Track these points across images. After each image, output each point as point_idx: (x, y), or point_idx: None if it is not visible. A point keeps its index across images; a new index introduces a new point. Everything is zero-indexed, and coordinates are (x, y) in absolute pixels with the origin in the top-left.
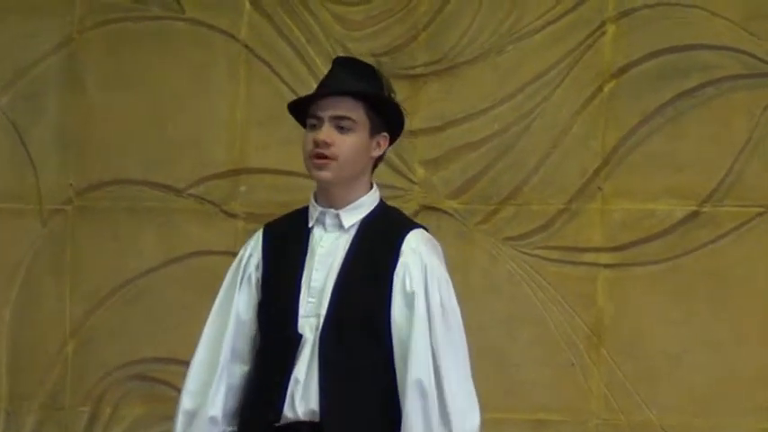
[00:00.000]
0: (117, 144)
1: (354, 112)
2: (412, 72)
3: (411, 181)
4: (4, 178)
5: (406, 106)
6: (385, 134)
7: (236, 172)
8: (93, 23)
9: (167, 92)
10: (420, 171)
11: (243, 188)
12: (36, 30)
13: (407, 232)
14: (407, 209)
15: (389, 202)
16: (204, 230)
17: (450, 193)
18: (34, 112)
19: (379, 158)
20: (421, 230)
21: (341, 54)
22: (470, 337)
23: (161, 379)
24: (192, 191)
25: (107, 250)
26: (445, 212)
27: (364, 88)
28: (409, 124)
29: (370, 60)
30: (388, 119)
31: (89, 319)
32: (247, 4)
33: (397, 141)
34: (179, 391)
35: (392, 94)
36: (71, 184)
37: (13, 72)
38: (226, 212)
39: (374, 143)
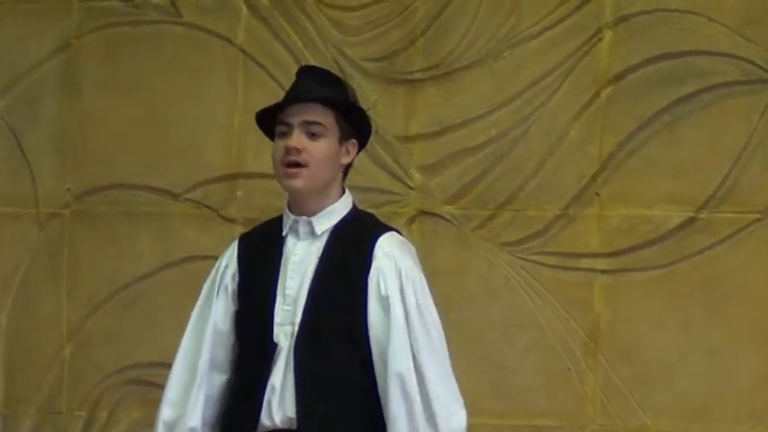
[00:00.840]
0: (114, 148)
1: (324, 117)
2: (409, 77)
3: (408, 186)
4: (1, 182)
5: (402, 111)
6: (354, 141)
7: (233, 176)
8: (90, 28)
9: (164, 96)
10: (417, 176)
11: (240, 193)
12: (33, 34)
13: (379, 236)
14: (404, 214)
15: (386, 208)
16: (201, 235)
17: (447, 199)
18: (32, 116)
19: (349, 166)
20: (393, 233)
21: (339, 59)
22: (467, 342)
23: (158, 383)
24: (189, 195)
25: (104, 254)
26: (442, 218)
27: (333, 95)
28: (406, 129)
29: (368, 66)
30: (356, 126)
31: (86, 323)
32: (244, 9)
33: (367, 148)
34: None
35: (358, 102)
36: (68, 189)
37: (11, 77)
38: (223, 217)
39: (343, 150)
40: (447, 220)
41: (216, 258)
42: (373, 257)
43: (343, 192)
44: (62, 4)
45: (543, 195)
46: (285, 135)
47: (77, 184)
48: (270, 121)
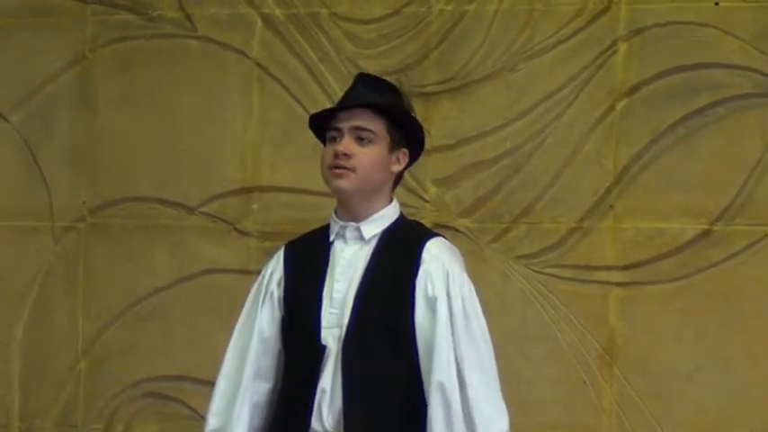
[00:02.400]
0: (129, 162)
1: (374, 124)
2: (424, 90)
3: (423, 199)
4: (16, 196)
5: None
6: (405, 150)
7: (248, 190)
8: (105, 41)
9: (179, 110)
10: (432, 189)
11: (255, 206)
12: (48, 48)
13: (427, 240)
14: None
15: None
16: (217, 248)
17: (462, 212)
18: (47, 130)
19: (400, 175)
20: (441, 239)
21: (354, 72)
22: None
23: (173, 396)
24: (204, 209)
25: (119, 268)
26: (457, 231)
27: (385, 102)
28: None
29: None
30: (408, 135)
31: (101, 336)
32: (259, 22)
33: (419, 159)
34: (191, 408)
35: (412, 112)
36: (84, 202)
37: (26, 90)
38: (238, 230)
39: (394, 158)
40: (462, 233)
41: (231, 272)
42: (422, 260)
43: (392, 200)
44: (77, 17)
45: (558, 208)
46: (335, 140)
47: (92, 198)
48: (322, 126)
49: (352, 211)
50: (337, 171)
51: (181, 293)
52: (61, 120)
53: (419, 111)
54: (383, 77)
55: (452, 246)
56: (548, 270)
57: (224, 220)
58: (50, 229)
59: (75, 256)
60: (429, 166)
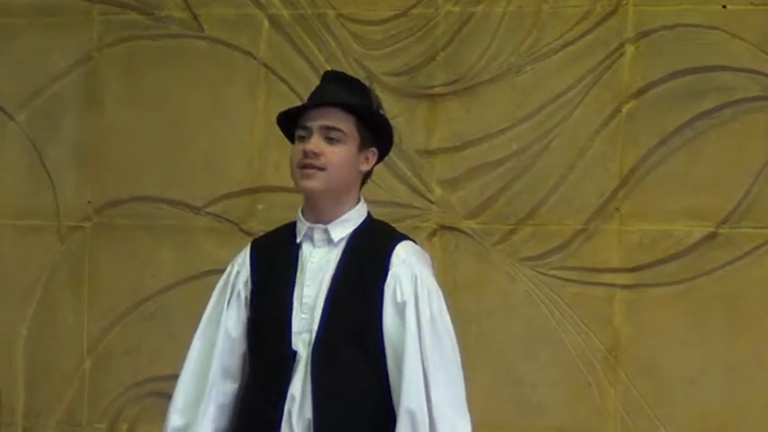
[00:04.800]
0: (135, 162)
1: (344, 123)
2: (430, 92)
3: (429, 201)
4: (22, 195)
5: (423, 126)
6: (374, 149)
7: (253, 190)
8: (111, 41)
9: (186, 110)
10: (438, 191)
11: (261, 206)
12: (55, 47)
13: (396, 244)
14: (425, 228)
15: (407, 222)
16: (222, 248)
17: (467, 213)
18: (53, 129)
19: (368, 174)
20: (409, 242)
21: (360, 73)
22: (487, 357)
23: None
24: (210, 209)
25: (125, 267)
26: (463, 232)
27: (355, 101)
28: (427, 144)
29: (390, 80)
30: (377, 134)
31: (106, 335)
32: (266, 23)
33: (388, 158)
34: None
35: (381, 110)
36: (89, 202)
37: (32, 90)
38: (244, 231)
39: (362, 157)
40: (468, 234)
41: None
42: (390, 265)
43: (359, 200)
44: (83, 17)
45: (564, 210)
46: (304, 139)
47: (98, 197)
48: (291, 124)
49: (320, 211)
50: (306, 171)
51: (186, 293)
52: (67, 119)
53: (425, 112)
54: (351, 75)
55: (421, 249)
56: (553, 272)
57: (229, 221)
58: (56, 228)
59: (81, 255)
60: (435, 167)
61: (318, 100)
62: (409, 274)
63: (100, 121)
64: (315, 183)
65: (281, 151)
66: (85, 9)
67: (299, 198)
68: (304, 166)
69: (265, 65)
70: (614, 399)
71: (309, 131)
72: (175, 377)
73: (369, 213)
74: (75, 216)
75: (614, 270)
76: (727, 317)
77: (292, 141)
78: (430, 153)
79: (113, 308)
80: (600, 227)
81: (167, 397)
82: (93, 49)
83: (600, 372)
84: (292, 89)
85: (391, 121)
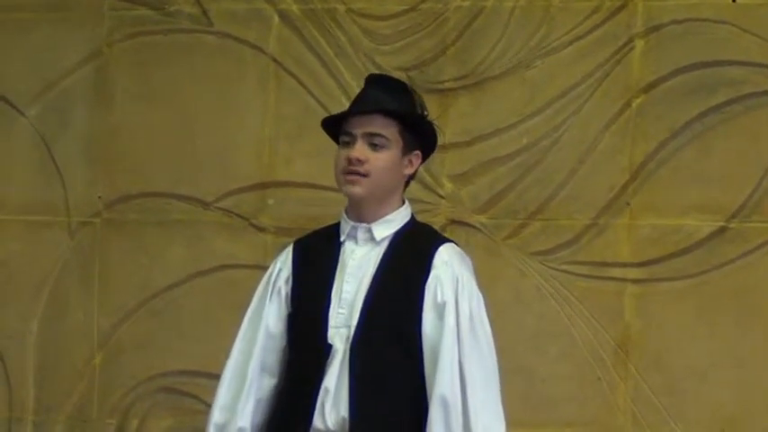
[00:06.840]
0: (145, 157)
1: (387, 129)
2: (440, 86)
3: (439, 195)
4: (32, 190)
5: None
6: (417, 152)
7: (264, 185)
8: (121, 36)
9: (196, 105)
10: (448, 185)
11: (271, 201)
12: (65, 42)
13: (439, 245)
14: (435, 223)
15: (417, 217)
16: (232, 244)
17: (477, 208)
18: (63, 124)
19: (411, 176)
20: (452, 245)
21: (370, 68)
22: (497, 351)
23: (188, 392)
24: (220, 204)
25: (135, 263)
26: (473, 227)
27: (397, 106)
28: (437, 139)
29: (399, 75)
30: (420, 137)
31: (116, 331)
32: (276, 18)
33: (434, 155)
34: (206, 403)
35: (425, 112)
36: (99, 197)
37: (42, 85)
38: (254, 226)
39: (406, 161)
40: (478, 229)
41: (247, 267)
42: (432, 266)
43: (403, 202)
44: (93, 12)
45: (574, 205)
46: (348, 145)
47: (108, 193)
48: (334, 126)
49: (363, 213)
50: (350, 177)
51: (196, 289)
52: (78, 114)
53: (435, 107)
54: (394, 77)
55: (463, 252)
56: (563, 266)
57: (240, 216)
58: (66, 223)
59: (91, 250)
60: (445, 162)
61: (362, 107)
62: (451, 275)
63: (110, 116)
64: (358, 189)
65: (291, 146)
66: (96, 4)
67: (310, 193)
68: (348, 173)
69: (275, 60)
70: (624, 393)
71: (353, 138)
72: (186, 373)
73: (412, 215)
74: (86, 211)
75: (624, 264)
76: (738, 311)
77: (337, 142)
78: (440, 148)
79: (123, 303)
80: (610, 221)
81: (177, 392)
82: (104, 45)
83: (610, 366)
84: (302, 84)
85: (435, 122)
